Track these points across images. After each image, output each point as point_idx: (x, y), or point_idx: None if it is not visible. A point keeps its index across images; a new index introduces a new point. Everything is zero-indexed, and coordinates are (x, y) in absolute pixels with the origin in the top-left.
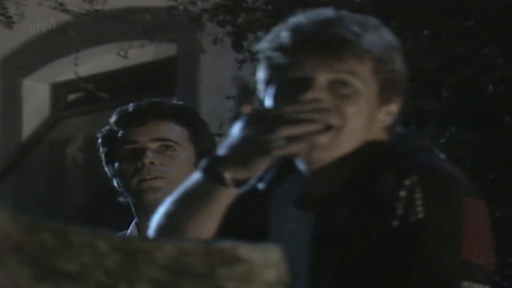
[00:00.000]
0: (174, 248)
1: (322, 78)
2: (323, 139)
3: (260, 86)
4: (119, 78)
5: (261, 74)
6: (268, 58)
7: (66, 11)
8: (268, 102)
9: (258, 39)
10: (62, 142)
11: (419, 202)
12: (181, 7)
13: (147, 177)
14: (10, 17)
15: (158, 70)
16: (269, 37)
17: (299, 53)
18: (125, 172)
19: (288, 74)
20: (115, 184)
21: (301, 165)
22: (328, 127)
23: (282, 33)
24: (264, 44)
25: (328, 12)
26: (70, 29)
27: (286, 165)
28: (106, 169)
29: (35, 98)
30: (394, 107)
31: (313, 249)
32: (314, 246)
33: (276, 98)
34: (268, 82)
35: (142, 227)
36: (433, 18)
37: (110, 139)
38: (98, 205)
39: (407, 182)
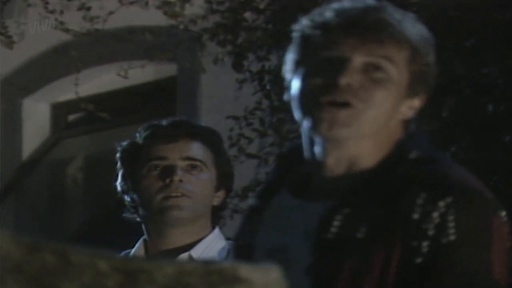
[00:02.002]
0: (174, 268)
1: (358, 59)
2: (343, 114)
3: (289, 67)
4: (119, 98)
5: (292, 55)
6: (306, 36)
7: (66, 30)
8: (298, 81)
9: (258, 59)
10: (62, 162)
11: (451, 224)
12: (181, 27)
13: (173, 194)
14: (10, 36)
15: (158, 90)
16: (310, 16)
17: (340, 33)
18: (149, 187)
19: (325, 52)
20: (128, 199)
21: (318, 151)
22: (351, 105)
23: (327, 12)
24: (305, 22)
25: (371, 1)
26: (70, 49)
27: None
28: (119, 183)
29: (35, 118)
30: (417, 102)
31: (318, 246)
32: (319, 243)
33: (309, 76)
34: (301, 62)
35: (151, 245)
36: (433, 36)
37: (132, 153)
38: (98, 225)
39: (441, 204)
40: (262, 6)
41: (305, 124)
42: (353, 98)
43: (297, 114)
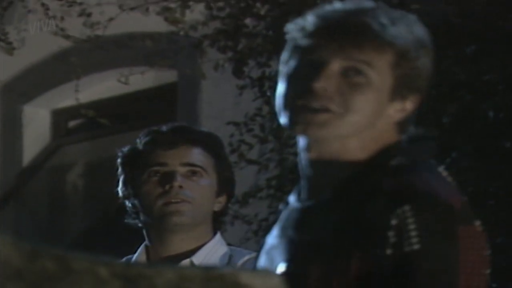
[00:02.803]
0: (174, 274)
1: (337, 64)
2: (318, 118)
3: (281, 67)
4: (119, 105)
5: (284, 54)
6: (291, 40)
7: (67, 36)
8: (281, 80)
9: (259, 65)
10: (63, 168)
11: (413, 233)
12: (181, 33)
13: (173, 200)
14: (10, 42)
15: (158, 96)
16: (298, 20)
17: (320, 37)
18: (150, 193)
19: (306, 56)
20: (129, 204)
21: (303, 154)
22: (327, 111)
23: (309, 17)
24: (291, 26)
25: (365, 2)
26: (71, 55)
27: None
28: (120, 189)
29: (36, 125)
30: (409, 105)
31: (288, 247)
32: (288, 243)
33: (290, 77)
34: (287, 62)
35: (153, 250)
36: (433, 44)
37: (133, 158)
38: (98, 231)
39: (398, 211)
40: (262, 12)
41: (285, 126)
42: (329, 103)
43: (279, 117)
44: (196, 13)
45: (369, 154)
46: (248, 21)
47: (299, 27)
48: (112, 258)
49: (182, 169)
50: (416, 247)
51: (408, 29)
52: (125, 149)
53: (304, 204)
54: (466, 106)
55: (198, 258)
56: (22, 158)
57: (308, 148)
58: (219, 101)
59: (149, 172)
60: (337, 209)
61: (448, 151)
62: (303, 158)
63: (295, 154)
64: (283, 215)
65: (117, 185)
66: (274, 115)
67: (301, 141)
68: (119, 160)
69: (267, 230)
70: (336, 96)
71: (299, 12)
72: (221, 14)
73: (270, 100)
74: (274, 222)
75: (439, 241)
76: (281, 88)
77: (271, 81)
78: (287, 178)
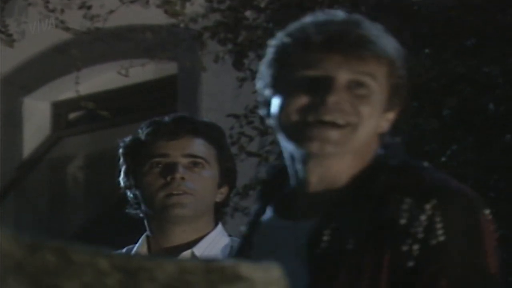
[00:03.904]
0: (174, 266)
1: (343, 77)
2: (334, 133)
3: (266, 82)
4: (120, 97)
5: (269, 69)
6: (286, 54)
7: (67, 29)
8: (279, 99)
9: (259, 57)
10: (63, 160)
11: (439, 225)
12: (182, 25)
13: (175, 192)
14: (10, 35)
15: (159, 89)
16: (289, 32)
17: (322, 51)
18: (151, 184)
19: (307, 71)
20: (131, 195)
21: (300, 169)
22: (340, 125)
23: (307, 29)
24: (285, 39)
25: (342, 13)
26: (71, 48)
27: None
28: (122, 179)
29: (36, 117)
30: (392, 115)
31: (311, 263)
32: (312, 260)
33: (292, 95)
34: (280, 79)
35: (154, 242)
36: (433, 37)
37: (135, 149)
38: (98, 223)
39: (427, 206)
40: (262, 4)
41: (288, 144)
42: (343, 116)
43: (279, 134)
44: (196, 5)
45: (363, 166)
46: (248, 13)
47: (296, 40)
48: (112, 250)
49: (184, 160)
50: (441, 238)
51: (388, 39)
52: (127, 139)
53: (311, 220)
54: (466, 99)
55: (199, 249)
56: (22, 151)
57: (308, 170)
58: (219, 93)
59: (151, 163)
60: (353, 217)
61: (448, 144)
62: (298, 180)
63: None
64: (263, 236)
65: (119, 176)
66: None
67: (299, 164)
68: (120, 151)
69: None
70: (348, 109)
71: (299, 5)
72: (221, 7)
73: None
74: (252, 218)
75: (464, 230)
76: (280, 104)
77: None
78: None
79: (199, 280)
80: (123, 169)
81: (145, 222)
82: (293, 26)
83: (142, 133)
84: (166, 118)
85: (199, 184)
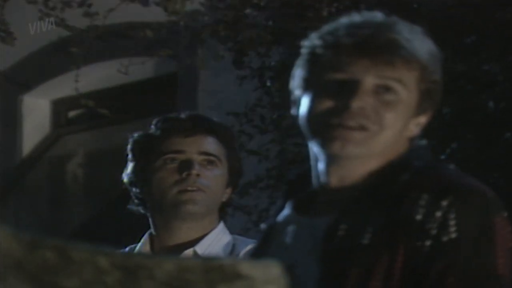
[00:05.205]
0: (174, 265)
1: (370, 82)
2: (356, 135)
3: (298, 83)
4: (119, 95)
5: (301, 71)
6: (317, 55)
7: (66, 27)
8: (307, 101)
9: (259, 55)
10: (63, 158)
11: (452, 222)
12: (181, 23)
13: (190, 188)
14: (10, 32)
15: (158, 87)
16: (321, 34)
17: (351, 54)
18: (164, 180)
19: (335, 74)
20: (137, 191)
21: (323, 168)
22: (364, 129)
23: (338, 32)
24: (316, 41)
25: (379, 15)
26: (71, 45)
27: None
28: (128, 175)
29: (36, 115)
30: (423, 119)
31: (324, 258)
32: (325, 255)
33: (319, 97)
34: (310, 81)
35: (157, 239)
36: (433, 34)
37: (145, 144)
38: (98, 221)
39: (444, 203)
40: (262, 3)
41: (314, 145)
42: (366, 121)
43: (306, 134)
44: (196, 3)
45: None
46: (248, 11)
47: (326, 43)
48: (112, 248)
49: (199, 158)
50: (453, 235)
51: (423, 42)
52: (136, 135)
53: (329, 217)
54: (466, 97)
55: (202, 247)
56: (22, 148)
57: (329, 171)
58: (219, 92)
59: (165, 159)
60: (371, 212)
61: (448, 142)
62: (321, 173)
63: (295, 144)
64: (280, 232)
65: (123, 171)
66: (274, 106)
67: (321, 164)
68: (129, 146)
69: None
70: (371, 114)
71: (299, 3)
72: (221, 5)
73: (270, 91)
74: (273, 216)
75: (476, 228)
76: (307, 105)
77: (271, 72)
78: (287, 169)
79: (198, 279)
80: (131, 164)
81: (150, 219)
82: (326, 27)
83: (156, 129)
84: (183, 115)
85: (212, 181)
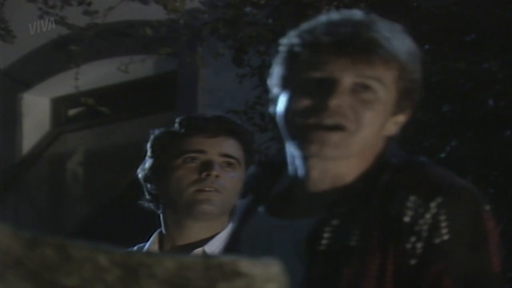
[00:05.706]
0: (174, 263)
1: (348, 81)
2: (333, 137)
3: (276, 81)
4: (119, 93)
5: (279, 69)
6: (295, 54)
7: (66, 25)
8: (285, 99)
9: (258, 53)
10: (63, 156)
11: (443, 224)
12: (181, 21)
13: (207, 188)
14: (10, 31)
15: (158, 85)
16: (299, 32)
17: (330, 53)
18: (182, 178)
19: (313, 72)
20: (152, 187)
21: (301, 168)
22: (342, 128)
23: (317, 30)
24: (295, 39)
25: (358, 13)
26: (70, 43)
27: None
28: (143, 171)
29: (36, 113)
30: (402, 118)
31: (312, 260)
32: (313, 256)
33: (296, 96)
34: (288, 79)
35: (167, 238)
36: (433, 32)
37: (166, 142)
38: (98, 219)
39: (432, 205)
40: (262, 1)
41: (291, 145)
42: (343, 120)
43: (283, 134)
44: (196, 1)
45: (368, 165)
46: (248, 9)
47: (305, 42)
48: (111, 246)
49: (220, 159)
50: (445, 237)
51: (403, 41)
52: (158, 131)
53: (312, 218)
54: (466, 95)
55: (211, 247)
56: (22, 147)
57: (309, 168)
58: (218, 90)
59: (185, 157)
60: (357, 214)
61: (448, 140)
62: (298, 178)
63: None
64: (253, 236)
65: (139, 166)
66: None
67: (300, 162)
68: (150, 143)
69: None
70: (349, 113)
71: (299, 1)
72: (221, 3)
73: (269, 89)
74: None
75: (469, 228)
76: (285, 104)
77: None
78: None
79: (198, 277)
80: (149, 161)
81: (161, 216)
82: (304, 25)
83: (180, 127)
84: (207, 115)
85: (230, 184)
